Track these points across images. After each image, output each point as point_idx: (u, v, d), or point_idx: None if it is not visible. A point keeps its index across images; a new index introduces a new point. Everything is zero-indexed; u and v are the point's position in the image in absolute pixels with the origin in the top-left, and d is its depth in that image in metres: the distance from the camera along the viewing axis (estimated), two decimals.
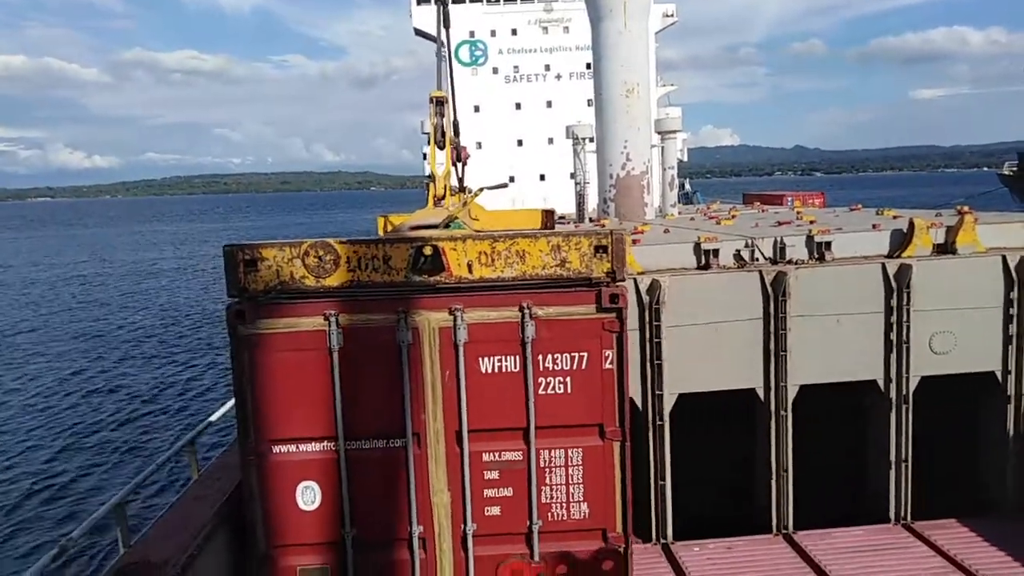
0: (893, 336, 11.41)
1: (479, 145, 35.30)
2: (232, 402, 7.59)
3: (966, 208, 12.82)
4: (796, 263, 11.82)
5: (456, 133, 14.03)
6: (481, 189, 13.98)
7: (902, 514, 11.73)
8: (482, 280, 6.88)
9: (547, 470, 7.01)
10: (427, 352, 6.86)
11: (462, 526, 7.01)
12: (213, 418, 10.46)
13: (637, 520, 9.33)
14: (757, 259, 12.11)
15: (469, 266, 6.86)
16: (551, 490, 7.03)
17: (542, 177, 37.64)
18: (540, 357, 6.87)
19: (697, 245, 11.97)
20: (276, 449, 6.90)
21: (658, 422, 11.29)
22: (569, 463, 7.01)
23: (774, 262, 12.03)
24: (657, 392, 11.20)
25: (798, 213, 19.25)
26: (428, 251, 6.80)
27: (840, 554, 10.64)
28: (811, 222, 14.94)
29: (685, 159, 45.25)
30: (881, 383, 11.58)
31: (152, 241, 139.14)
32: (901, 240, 12.14)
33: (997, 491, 11.96)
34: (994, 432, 11.95)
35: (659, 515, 11.46)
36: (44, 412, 31.27)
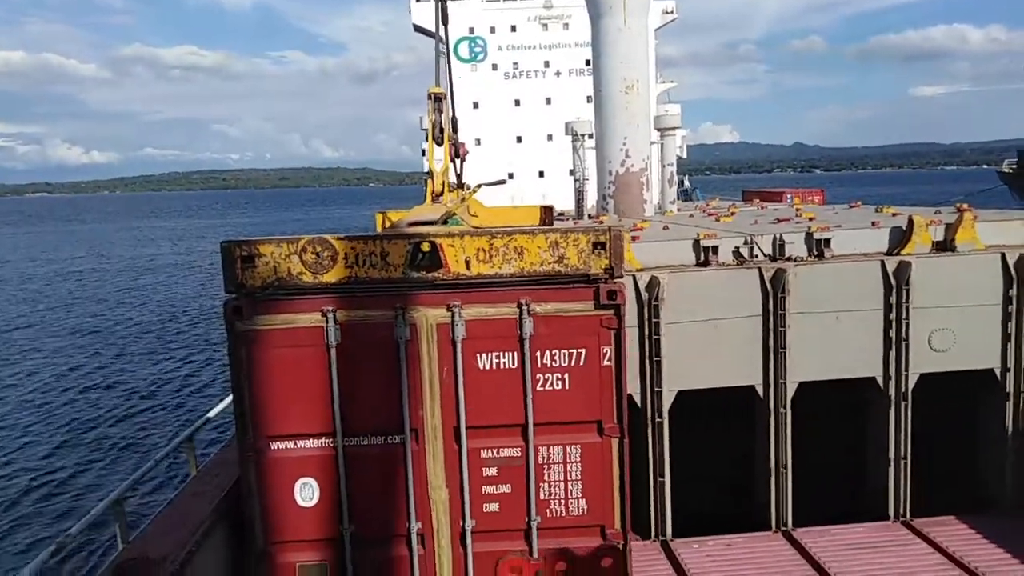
0: (892, 333, 11.40)
1: (478, 141, 35.22)
2: (230, 398, 7.57)
3: (965, 206, 12.79)
4: (795, 260, 11.80)
5: (455, 129, 13.99)
6: (479, 185, 13.94)
7: (901, 511, 11.73)
8: (480, 276, 6.85)
9: (545, 466, 6.99)
10: (425, 348, 6.84)
11: (460, 522, 6.99)
12: (211, 414, 10.44)
13: (636, 517, 9.31)
14: (756, 256, 12.08)
15: (467, 262, 6.83)
16: (549, 486, 7.01)
17: (541, 174, 37.60)
18: (538, 353, 6.86)
19: (696, 242, 11.95)
20: (274, 445, 6.88)
21: (657, 419, 11.27)
22: (567, 460, 6.99)
23: (773, 259, 12.01)
24: (656, 389, 11.18)
25: (797, 210, 19.20)
26: (426, 247, 6.76)
27: (839, 551, 10.63)
28: (810, 219, 14.93)
29: (684, 156, 45.25)
30: (880, 380, 11.57)
31: (150, 237, 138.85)
32: (900, 237, 12.14)
33: (996, 488, 11.96)
34: (993, 429, 11.94)
35: (658, 512, 11.45)
36: (42, 408, 31.22)
